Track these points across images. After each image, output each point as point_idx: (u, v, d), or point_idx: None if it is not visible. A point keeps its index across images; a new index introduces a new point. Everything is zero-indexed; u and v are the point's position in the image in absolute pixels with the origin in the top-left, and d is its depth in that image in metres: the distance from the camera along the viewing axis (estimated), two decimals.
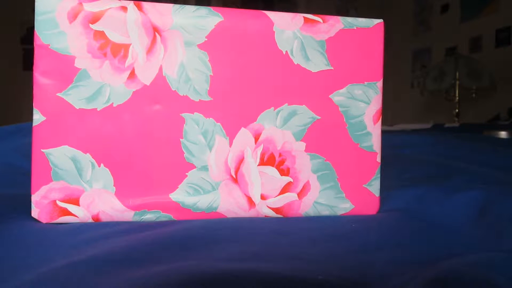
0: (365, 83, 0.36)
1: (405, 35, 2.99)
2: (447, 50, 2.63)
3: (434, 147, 0.77)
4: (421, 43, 2.86)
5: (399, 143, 0.85)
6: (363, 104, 0.36)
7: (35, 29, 0.31)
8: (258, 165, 0.34)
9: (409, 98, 2.93)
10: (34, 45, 0.31)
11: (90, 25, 0.31)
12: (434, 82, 2.26)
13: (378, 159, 0.36)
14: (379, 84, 0.36)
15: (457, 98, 2.19)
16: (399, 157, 0.67)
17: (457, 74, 2.14)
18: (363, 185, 0.36)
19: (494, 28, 2.30)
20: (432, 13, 2.77)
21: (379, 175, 0.36)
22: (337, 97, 0.35)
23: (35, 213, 0.31)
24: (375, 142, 0.36)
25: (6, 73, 2.83)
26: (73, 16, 0.31)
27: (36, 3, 0.31)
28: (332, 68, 0.35)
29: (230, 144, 0.33)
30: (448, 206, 0.36)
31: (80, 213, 0.32)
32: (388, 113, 2.84)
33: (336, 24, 0.35)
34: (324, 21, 0.35)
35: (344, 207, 0.36)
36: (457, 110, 2.21)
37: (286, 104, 0.34)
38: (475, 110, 2.39)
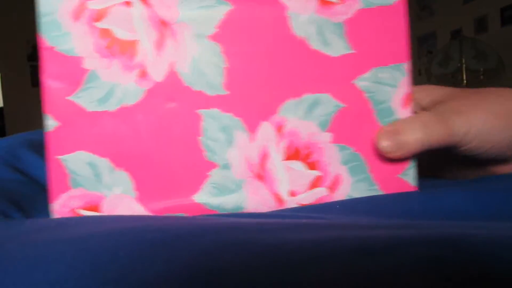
0: (391, 65, 0.33)
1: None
2: (452, 33, 2.59)
3: None
4: (425, 28, 2.82)
5: None
6: (389, 88, 0.33)
7: (40, 31, 0.29)
8: (283, 160, 0.32)
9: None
10: (40, 49, 0.29)
11: (95, 23, 0.29)
12: (439, 67, 2.22)
13: None
14: (406, 65, 0.34)
15: (465, 81, 2.16)
16: None
17: (463, 56, 2.10)
18: (397, 175, 0.34)
19: (499, 6, 2.25)
20: None
21: (414, 163, 0.34)
22: (361, 82, 0.33)
23: None
24: None
25: (15, 90, 2.85)
26: (77, 15, 0.29)
27: (39, 5, 0.29)
28: (354, 51, 0.33)
29: (252, 139, 0.31)
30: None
31: None
32: None
33: (354, 4, 0.33)
34: (340, 2, 0.33)
35: None
36: None
37: (308, 93, 0.32)
38: None
